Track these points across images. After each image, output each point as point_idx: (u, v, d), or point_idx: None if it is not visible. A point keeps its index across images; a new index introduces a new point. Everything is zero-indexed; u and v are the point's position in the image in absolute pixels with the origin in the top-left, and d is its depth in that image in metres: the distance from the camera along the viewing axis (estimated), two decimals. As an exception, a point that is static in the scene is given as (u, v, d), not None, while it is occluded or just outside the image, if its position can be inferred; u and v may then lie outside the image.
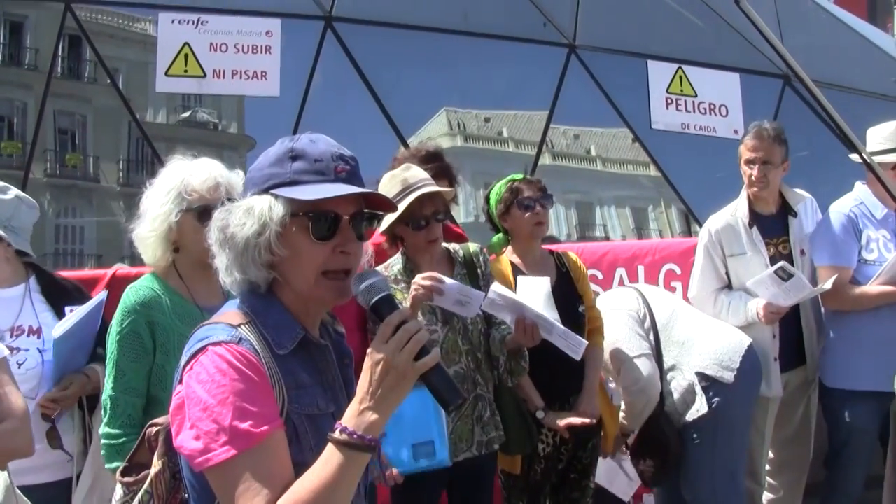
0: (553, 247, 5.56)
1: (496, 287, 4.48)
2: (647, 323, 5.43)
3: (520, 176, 5.26)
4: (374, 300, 2.25)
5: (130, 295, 3.96)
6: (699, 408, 5.33)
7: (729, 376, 5.29)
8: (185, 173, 4.00)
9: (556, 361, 4.91)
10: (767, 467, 6.20)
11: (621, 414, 5.40)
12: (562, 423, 4.87)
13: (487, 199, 5.33)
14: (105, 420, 3.88)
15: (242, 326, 2.29)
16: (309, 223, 2.30)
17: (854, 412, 5.69)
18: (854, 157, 5.57)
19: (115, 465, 3.81)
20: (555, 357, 4.85)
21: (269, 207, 2.29)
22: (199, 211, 3.94)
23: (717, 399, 5.30)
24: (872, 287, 5.63)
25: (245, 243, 2.30)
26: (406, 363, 2.12)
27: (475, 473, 4.69)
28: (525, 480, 5.10)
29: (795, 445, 6.15)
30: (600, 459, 5.36)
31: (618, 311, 5.43)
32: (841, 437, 5.81)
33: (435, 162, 5.09)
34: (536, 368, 4.91)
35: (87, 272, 5.92)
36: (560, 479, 5.26)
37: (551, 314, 4.64)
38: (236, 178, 4.08)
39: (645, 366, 5.20)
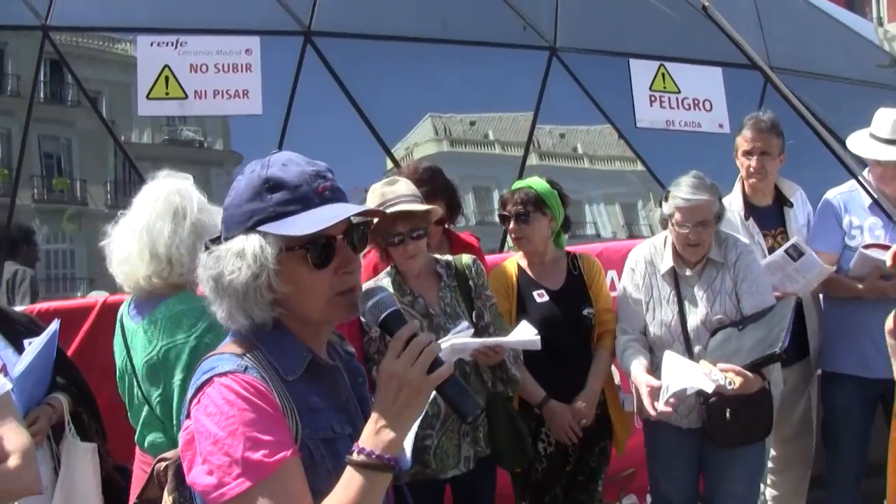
0: (575, 248, 5.57)
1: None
2: None
3: (523, 184, 5.25)
4: (382, 316, 2.23)
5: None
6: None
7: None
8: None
9: (559, 360, 4.99)
10: (770, 465, 6.24)
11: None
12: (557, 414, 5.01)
13: None
14: None
15: (247, 355, 2.25)
16: (306, 254, 2.24)
17: (839, 395, 5.85)
18: (851, 146, 5.64)
19: None
20: (558, 356, 4.94)
21: (260, 248, 2.21)
22: None
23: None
24: (843, 277, 5.73)
25: (245, 289, 2.22)
26: (419, 377, 2.10)
27: (471, 488, 4.69)
28: (526, 480, 5.11)
29: (798, 441, 6.22)
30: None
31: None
32: (827, 420, 5.99)
33: (426, 185, 5.08)
34: (540, 366, 4.98)
35: (76, 302, 5.87)
36: (569, 482, 5.28)
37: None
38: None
39: None
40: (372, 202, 4.49)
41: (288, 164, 2.30)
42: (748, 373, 4.63)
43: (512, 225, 5.16)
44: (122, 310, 4.25)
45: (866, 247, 5.46)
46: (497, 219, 5.41)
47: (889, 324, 3.23)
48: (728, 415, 4.88)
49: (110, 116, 18.94)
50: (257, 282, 2.21)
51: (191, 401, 2.21)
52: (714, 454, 5.18)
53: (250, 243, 2.22)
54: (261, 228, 2.23)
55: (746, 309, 5.05)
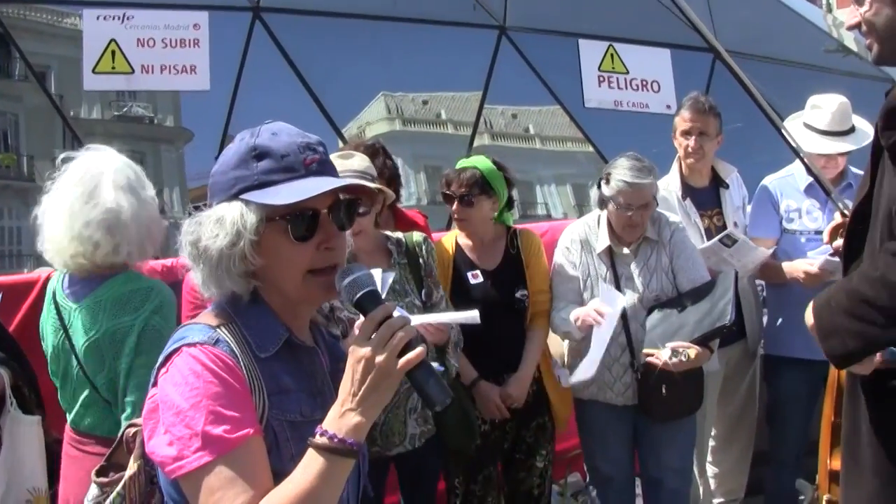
0: (522, 226, 5.58)
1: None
2: None
3: (468, 163, 5.20)
4: (357, 296, 2.15)
5: (164, 288, 3.94)
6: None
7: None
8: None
9: (492, 342, 4.98)
10: (713, 443, 6.30)
11: None
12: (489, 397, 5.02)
13: None
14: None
15: (222, 327, 2.20)
16: (287, 226, 2.19)
17: (786, 378, 5.86)
18: (788, 127, 5.69)
19: None
20: (491, 338, 4.91)
21: (240, 215, 2.16)
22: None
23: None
24: (778, 263, 5.78)
25: (219, 255, 2.17)
26: (389, 361, 2.03)
27: (416, 465, 4.70)
28: (462, 457, 5.11)
29: (741, 419, 6.30)
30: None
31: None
32: (774, 403, 6.00)
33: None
34: (472, 348, 4.93)
35: (17, 277, 5.83)
36: (507, 460, 5.31)
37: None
38: None
39: None
40: None
41: (279, 133, 2.27)
42: (698, 347, 4.74)
43: (456, 206, 5.13)
44: (53, 287, 4.14)
45: (833, 254, 5.47)
46: (446, 198, 5.38)
47: (808, 319, 3.21)
48: (664, 390, 4.94)
49: (59, 91, 18.78)
50: (233, 250, 2.17)
51: (159, 369, 2.18)
52: (649, 429, 5.24)
53: (231, 210, 2.18)
54: (243, 196, 2.19)
55: (683, 284, 5.12)
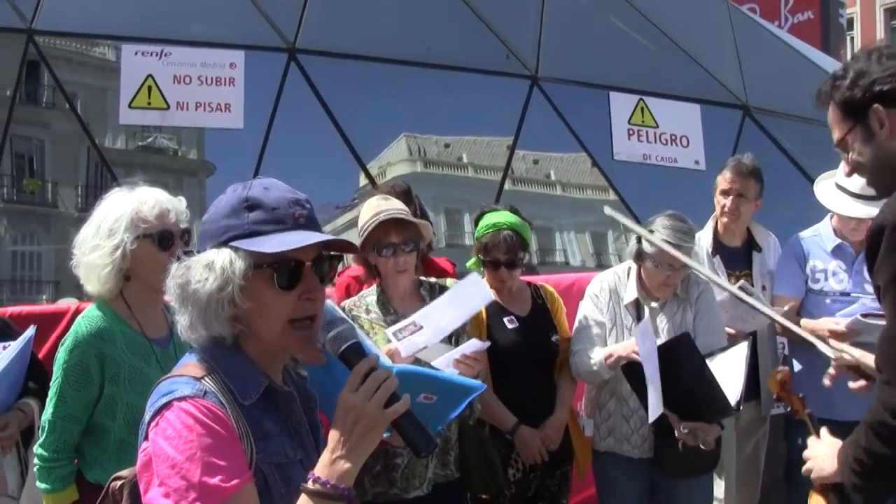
0: (530, 278, 5.60)
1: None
2: None
3: (498, 221, 5.21)
4: (342, 349, 2.25)
5: (83, 325, 3.91)
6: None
7: None
8: (133, 202, 3.94)
9: (529, 384, 5.05)
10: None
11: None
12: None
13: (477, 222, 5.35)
14: (41, 441, 3.89)
15: (206, 378, 2.26)
16: (273, 274, 2.26)
17: (802, 436, 5.78)
18: (820, 196, 5.69)
19: (44, 486, 3.90)
20: (529, 380, 5.01)
21: (230, 261, 2.23)
22: (159, 236, 3.92)
23: None
24: (804, 320, 5.69)
25: (208, 299, 2.24)
26: (376, 411, 2.13)
27: None
28: (495, 505, 5.13)
29: (744, 481, 6.23)
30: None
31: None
32: (792, 461, 5.92)
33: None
34: (510, 390, 5.00)
35: (49, 307, 5.87)
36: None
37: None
38: (180, 204, 4.09)
39: None
40: (366, 214, 4.52)
41: (270, 188, 2.35)
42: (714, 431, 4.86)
43: (502, 270, 5.16)
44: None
45: (864, 315, 5.45)
46: (467, 240, 5.41)
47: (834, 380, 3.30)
48: (681, 445, 4.90)
49: (85, 119, 18.85)
50: (221, 294, 2.23)
51: (149, 423, 2.22)
52: (665, 485, 5.23)
53: (220, 256, 2.25)
54: (233, 244, 2.26)
55: (700, 347, 5.04)
